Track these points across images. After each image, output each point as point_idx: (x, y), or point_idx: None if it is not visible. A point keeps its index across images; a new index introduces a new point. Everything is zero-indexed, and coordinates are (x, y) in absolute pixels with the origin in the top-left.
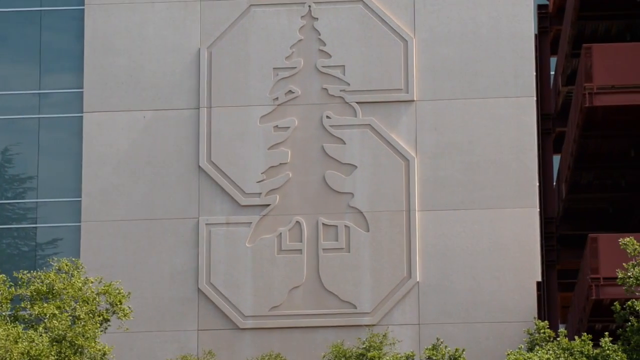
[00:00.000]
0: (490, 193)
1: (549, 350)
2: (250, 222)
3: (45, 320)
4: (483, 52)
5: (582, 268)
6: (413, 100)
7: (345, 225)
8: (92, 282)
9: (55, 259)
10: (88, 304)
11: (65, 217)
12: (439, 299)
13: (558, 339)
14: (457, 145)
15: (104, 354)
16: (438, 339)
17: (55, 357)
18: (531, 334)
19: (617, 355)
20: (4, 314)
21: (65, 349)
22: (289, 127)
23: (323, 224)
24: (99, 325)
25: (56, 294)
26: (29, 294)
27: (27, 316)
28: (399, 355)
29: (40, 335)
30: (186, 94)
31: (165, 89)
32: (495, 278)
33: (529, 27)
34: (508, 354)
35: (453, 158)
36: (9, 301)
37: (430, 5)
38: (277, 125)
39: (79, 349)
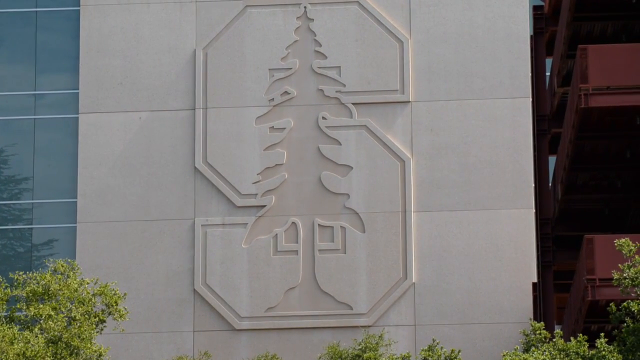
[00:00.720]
0: (486, 194)
1: (544, 351)
2: (246, 223)
3: (41, 321)
4: (479, 53)
5: (577, 269)
6: (409, 101)
7: (341, 226)
8: (87, 283)
9: (51, 260)
10: (84, 305)
11: (61, 218)
12: (435, 300)
13: (554, 340)
14: (452, 146)
15: (100, 355)
16: (434, 340)
17: (51, 358)
18: (527, 335)
19: (612, 356)
20: None
21: (61, 350)
22: (284, 128)
23: (319, 224)
24: (94, 326)
25: (52, 295)
26: (24, 295)
27: (22, 317)
28: (395, 356)
29: (36, 337)
30: (182, 94)
31: (160, 89)
32: (491, 279)
33: (524, 28)
34: (504, 355)
35: (449, 159)
36: (4, 302)
37: (425, 6)
38: (272, 126)
39: (75, 350)
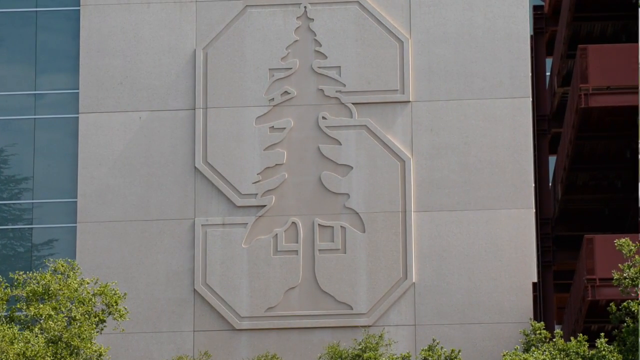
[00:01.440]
0: (486, 194)
1: (544, 351)
2: (246, 223)
3: (41, 321)
4: (479, 53)
5: (578, 269)
6: (409, 101)
7: (341, 226)
8: (88, 283)
9: (51, 259)
10: (84, 304)
11: (61, 218)
12: (435, 300)
13: (554, 339)
14: (452, 146)
15: (100, 355)
16: (434, 340)
17: (51, 358)
18: (527, 335)
19: (612, 356)
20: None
21: (61, 349)
22: (284, 128)
23: (319, 224)
24: (94, 326)
25: (52, 294)
26: (24, 294)
27: (23, 317)
28: (395, 356)
29: (36, 336)
30: (182, 94)
31: (160, 89)
32: (491, 279)
33: (524, 28)
34: (504, 355)
35: (449, 159)
36: (4, 302)
37: (426, 6)
38: (272, 126)
39: (75, 350)
